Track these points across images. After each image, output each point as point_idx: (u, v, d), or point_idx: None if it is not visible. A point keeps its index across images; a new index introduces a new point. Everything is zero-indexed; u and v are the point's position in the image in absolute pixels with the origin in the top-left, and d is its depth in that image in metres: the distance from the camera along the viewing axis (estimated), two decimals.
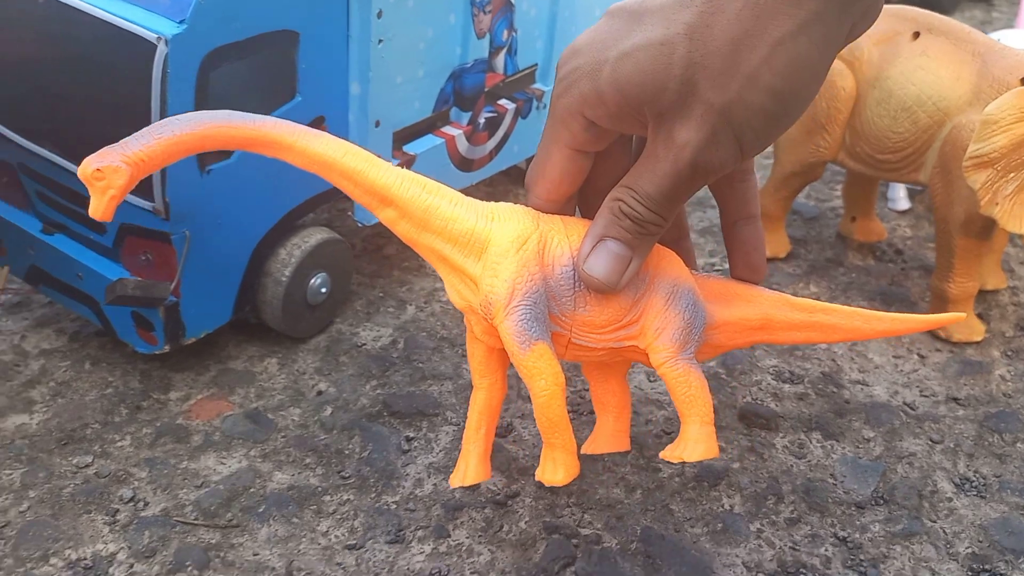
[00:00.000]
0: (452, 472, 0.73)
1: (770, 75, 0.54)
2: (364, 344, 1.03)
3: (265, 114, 0.84)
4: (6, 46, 0.82)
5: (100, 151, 0.56)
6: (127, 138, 0.57)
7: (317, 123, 0.92)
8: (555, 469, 0.65)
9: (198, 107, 0.78)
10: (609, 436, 0.78)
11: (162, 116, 0.76)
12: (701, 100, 0.55)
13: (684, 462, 0.75)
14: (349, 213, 1.04)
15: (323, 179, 0.91)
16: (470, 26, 1.05)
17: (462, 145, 1.12)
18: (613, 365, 0.75)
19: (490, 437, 0.72)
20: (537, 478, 0.66)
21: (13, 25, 0.80)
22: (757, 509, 0.84)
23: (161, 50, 0.73)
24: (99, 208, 0.56)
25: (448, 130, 1.10)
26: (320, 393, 0.95)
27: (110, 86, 0.78)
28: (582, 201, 0.71)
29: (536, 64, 1.21)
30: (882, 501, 0.86)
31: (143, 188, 0.79)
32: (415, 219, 0.65)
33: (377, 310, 1.09)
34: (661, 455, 0.66)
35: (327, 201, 0.99)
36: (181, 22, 0.74)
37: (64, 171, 0.85)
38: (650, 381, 1.01)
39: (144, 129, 0.57)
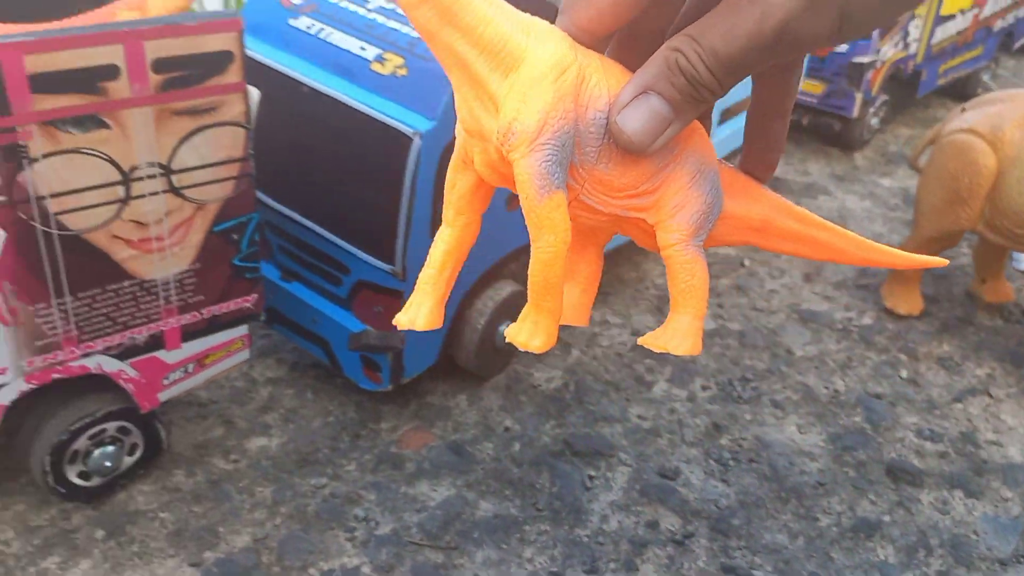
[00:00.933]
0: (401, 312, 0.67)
1: None
2: (539, 385, 1.15)
3: None
4: (273, 124, 0.96)
5: None
6: None
7: (514, 197, 1.05)
8: (535, 332, 0.62)
9: (436, 185, 0.91)
10: (572, 307, 0.72)
11: (410, 195, 0.89)
12: None
13: (667, 353, 0.66)
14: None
15: (515, 238, 1.04)
16: None
17: None
18: (599, 233, 0.70)
19: (451, 283, 0.67)
20: (509, 338, 0.62)
21: (280, 107, 0.94)
22: (909, 560, 0.94)
23: (416, 143, 0.87)
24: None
25: None
26: (507, 429, 1.07)
27: (365, 167, 0.91)
28: (621, 44, 0.64)
29: None
30: (1023, 560, 0.95)
31: (386, 253, 0.93)
32: (442, 6, 0.64)
33: (546, 352, 1.22)
34: (640, 341, 0.64)
35: (517, 257, 1.11)
36: (432, 119, 0.87)
37: (308, 230, 0.99)
38: (801, 433, 1.11)
39: None
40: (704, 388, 1.18)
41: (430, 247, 0.61)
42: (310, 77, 0.93)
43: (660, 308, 1.34)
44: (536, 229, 0.54)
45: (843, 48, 1.75)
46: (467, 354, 1.09)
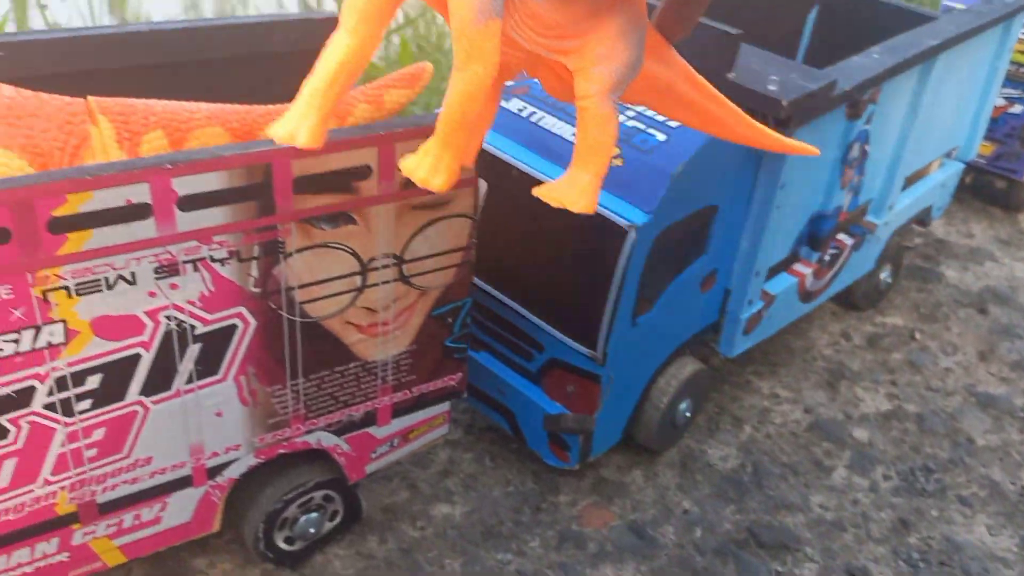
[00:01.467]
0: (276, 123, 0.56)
1: None
2: (714, 464, 1.15)
3: (679, 271, 0.98)
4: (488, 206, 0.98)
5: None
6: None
7: (710, 276, 1.05)
8: (437, 169, 0.55)
9: (644, 273, 0.92)
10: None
11: (620, 286, 0.91)
12: None
13: (564, 208, 0.61)
14: (712, 344, 1.16)
15: (702, 318, 1.04)
16: (837, 180, 1.16)
17: (809, 281, 1.22)
18: (507, 73, 0.62)
19: (338, 99, 0.57)
20: (407, 172, 0.55)
21: (489, 187, 0.97)
22: None
23: (631, 236, 0.88)
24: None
25: (799, 268, 1.21)
26: (686, 512, 1.07)
27: (572, 253, 0.93)
28: None
29: (871, 199, 1.30)
30: None
31: (587, 337, 0.94)
32: None
33: (717, 426, 1.21)
34: (536, 191, 0.59)
35: (703, 337, 1.12)
36: (648, 213, 0.88)
37: (503, 305, 1.02)
38: (991, 535, 1.08)
39: None
40: (886, 477, 1.16)
41: (322, 57, 0.53)
42: (521, 160, 0.96)
43: (832, 383, 1.32)
44: (465, 56, 0.50)
45: (1017, 110, 1.70)
46: (646, 431, 1.09)
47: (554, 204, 0.57)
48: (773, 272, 1.17)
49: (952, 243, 1.74)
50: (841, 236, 1.27)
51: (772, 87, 0.91)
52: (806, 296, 1.24)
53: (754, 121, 0.70)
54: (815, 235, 1.19)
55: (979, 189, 1.87)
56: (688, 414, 1.13)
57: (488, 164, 0.98)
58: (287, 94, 0.56)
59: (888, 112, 1.18)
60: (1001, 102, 1.72)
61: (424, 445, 0.96)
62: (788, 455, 1.18)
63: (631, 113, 0.95)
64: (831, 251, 1.25)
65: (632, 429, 1.09)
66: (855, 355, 1.39)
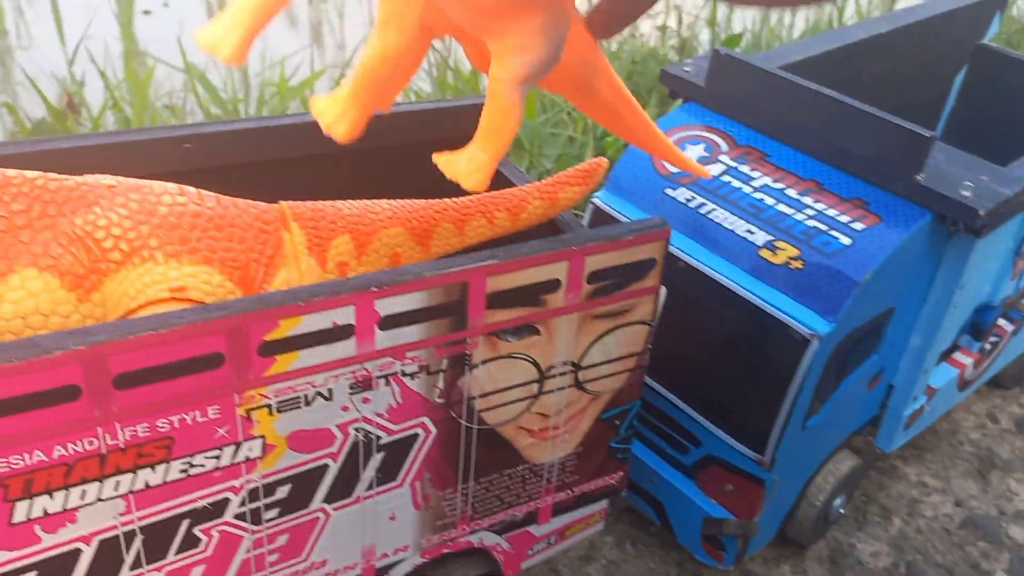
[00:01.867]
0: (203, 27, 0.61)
1: None
2: (865, 561, 1.11)
3: (850, 372, 0.95)
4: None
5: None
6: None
7: (879, 374, 1.01)
8: (341, 119, 0.60)
9: (822, 379, 0.89)
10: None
11: (796, 395, 0.88)
12: None
13: (456, 183, 0.63)
14: (870, 438, 1.12)
15: (865, 414, 1.01)
16: (1008, 271, 1.10)
17: (969, 371, 1.17)
18: (428, 36, 0.64)
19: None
20: (313, 112, 0.60)
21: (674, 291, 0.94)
22: None
23: (813, 345, 0.85)
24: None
25: (960, 358, 1.16)
26: None
27: (744, 355, 0.91)
28: None
29: None
30: None
31: (755, 441, 0.92)
32: None
33: (865, 518, 1.17)
34: (436, 158, 0.61)
35: (861, 432, 1.08)
36: (833, 322, 0.86)
37: (660, 396, 1.00)
38: None
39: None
40: None
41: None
42: (688, 253, 0.94)
43: (982, 472, 1.27)
44: (383, 20, 0.56)
45: None
46: (799, 527, 1.06)
47: (448, 176, 0.59)
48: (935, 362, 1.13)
49: None
50: (1001, 322, 1.21)
51: (966, 192, 0.87)
52: (963, 385, 1.19)
53: (660, 133, 0.78)
54: (979, 326, 1.14)
55: None
56: (842, 510, 1.09)
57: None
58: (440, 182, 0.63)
59: None
60: None
61: (577, 542, 0.95)
62: (942, 555, 1.13)
63: (811, 212, 0.92)
64: (992, 339, 1.20)
65: (784, 525, 1.06)
66: (1004, 440, 1.33)
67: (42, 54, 2.42)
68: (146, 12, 2.90)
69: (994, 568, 1.12)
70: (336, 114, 0.63)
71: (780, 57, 1.15)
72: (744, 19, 2.71)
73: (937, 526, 1.17)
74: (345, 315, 0.66)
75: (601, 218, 1.02)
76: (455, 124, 0.94)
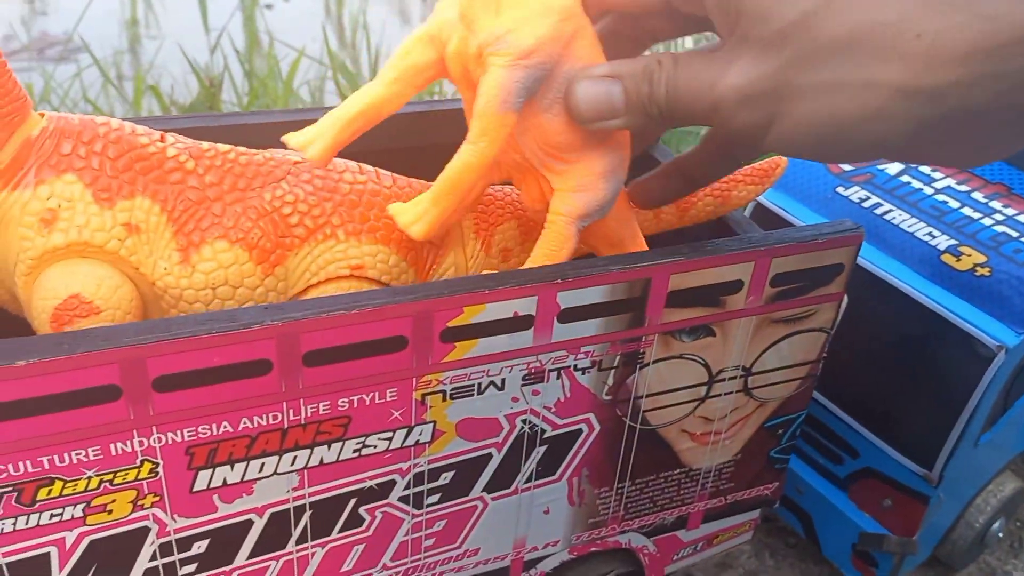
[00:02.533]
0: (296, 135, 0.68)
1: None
2: None
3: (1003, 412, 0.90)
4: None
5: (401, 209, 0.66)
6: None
7: None
8: (420, 218, 0.66)
9: (1001, 393, 0.85)
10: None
11: (975, 411, 0.84)
12: (780, 55, 0.53)
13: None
14: None
15: None
16: None
17: None
18: (497, 172, 0.71)
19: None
20: (392, 212, 0.67)
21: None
22: None
23: (1000, 358, 0.81)
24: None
25: None
26: None
27: (920, 365, 0.87)
28: (610, 29, 0.69)
29: None
30: None
31: (922, 456, 0.88)
32: None
33: (1021, 544, 1.12)
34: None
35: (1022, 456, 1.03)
36: (1021, 333, 0.81)
37: (819, 406, 0.97)
38: None
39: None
40: None
41: (352, 96, 0.67)
42: (861, 255, 0.90)
43: None
44: (480, 132, 0.62)
45: None
46: (953, 549, 1.02)
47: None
48: None
49: None
50: None
51: None
52: None
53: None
54: None
55: None
56: (1000, 534, 1.04)
57: None
58: None
59: None
60: None
61: (724, 551, 0.93)
62: None
63: (1000, 217, 0.87)
64: None
65: (938, 545, 1.02)
66: None
67: (170, 44, 2.52)
68: (268, 6, 2.98)
69: None
70: (414, 214, 0.67)
71: None
72: None
73: None
74: (527, 305, 0.65)
75: (765, 216, 0.99)
76: None
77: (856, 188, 0.95)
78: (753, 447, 0.85)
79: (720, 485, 0.86)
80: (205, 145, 0.68)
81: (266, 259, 0.67)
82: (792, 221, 0.96)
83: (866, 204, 0.93)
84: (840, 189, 0.95)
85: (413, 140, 0.86)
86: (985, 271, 0.84)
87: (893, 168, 0.95)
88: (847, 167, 0.97)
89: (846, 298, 0.79)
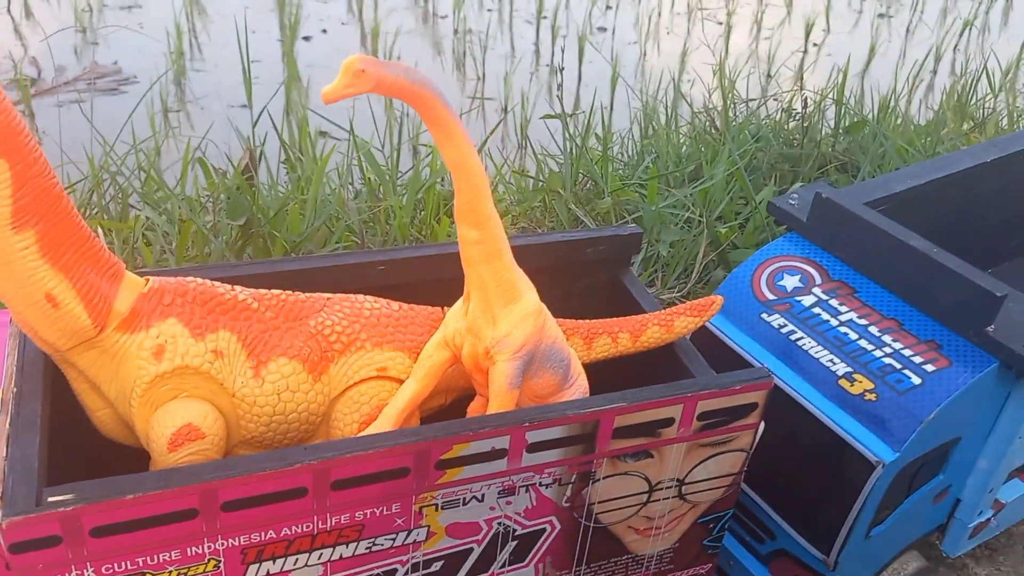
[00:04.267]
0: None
1: None
2: None
3: (915, 490, 1.12)
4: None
5: (371, 59, 0.76)
6: (395, 62, 0.78)
7: (943, 492, 1.18)
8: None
9: (884, 498, 1.07)
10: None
11: (862, 510, 1.06)
12: None
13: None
14: (937, 542, 1.29)
15: (931, 522, 1.19)
16: None
17: None
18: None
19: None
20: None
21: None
22: None
23: (878, 471, 1.03)
24: (334, 92, 0.74)
25: None
26: None
27: (820, 469, 1.09)
28: None
29: None
30: None
31: (822, 543, 1.10)
32: (488, 252, 0.89)
33: None
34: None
35: (927, 538, 1.25)
36: (897, 451, 1.03)
37: (747, 495, 1.19)
38: None
39: (400, 65, 0.79)
40: None
41: (396, 394, 0.96)
42: (776, 374, 1.13)
43: None
44: (496, 405, 0.94)
45: None
46: None
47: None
48: (1007, 479, 1.28)
49: None
50: None
51: None
52: None
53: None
54: None
55: None
56: None
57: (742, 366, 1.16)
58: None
59: None
60: None
61: None
62: None
63: (888, 350, 1.10)
64: None
65: None
66: None
67: (217, 79, 2.70)
68: (306, 38, 3.18)
69: None
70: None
71: (885, 187, 1.32)
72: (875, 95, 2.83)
73: None
74: (502, 441, 0.87)
75: (706, 335, 1.21)
76: (596, 250, 1.17)
77: (777, 315, 1.17)
78: (689, 538, 1.07)
79: (662, 567, 1.08)
80: (264, 291, 0.93)
81: (315, 369, 0.92)
82: (724, 341, 1.18)
83: (783, 330, 1.16)
84: (764, 315, 1.18)
85: (411, 277, 1.09)
86: (872, 396, 1.06)
87: (808, 300, 1.18)
88: (771, 296, 1.19)
89: (763, 424, 1.01)
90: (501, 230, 0.90)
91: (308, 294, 0.96)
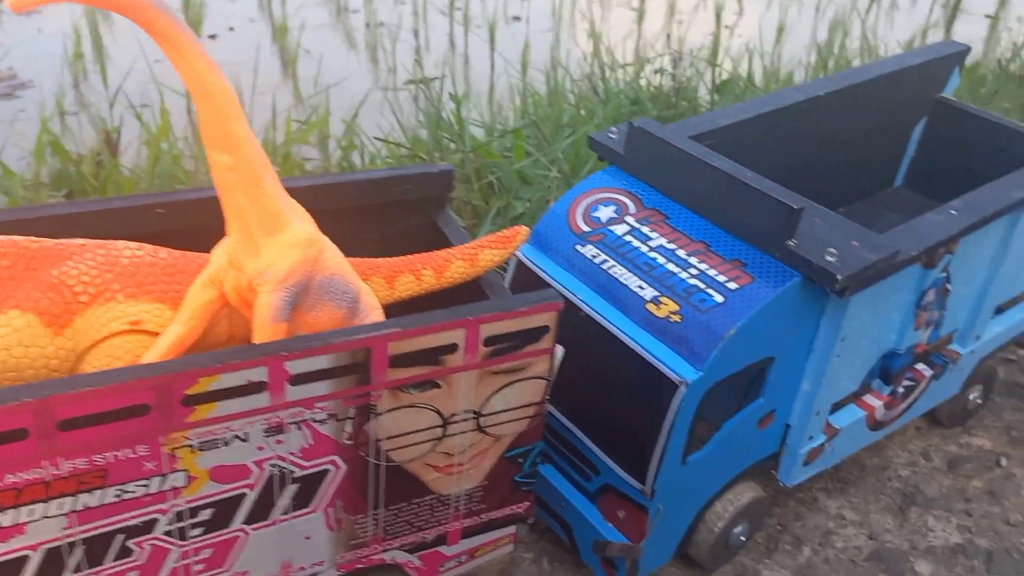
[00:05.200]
0: None
1: None
2: None
3: (732, 414, 1.11)
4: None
5: None
6: None
7: (768, 416, 1.17)
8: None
9: (694, 421, 1.05)
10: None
11: (668, 436, 1.04)
12: None
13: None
14: (773, 471, 1.28)
15: (761, 450, 1.17)
16: (910, 322, 1.25)
17: (879, 412, 1.32)
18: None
19: None
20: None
21: (562, 324, 1.11)
22: None
23: (681, 391, 1.01)
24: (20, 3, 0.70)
25: (869, 400, 1.31)
26: None
27: (629, 396, 1.07)
28: None
29: (956, 329, 1.38)
30: None
31: (638, 472, 1.08)
32: (244, 178, 0.83)
33: (776, 546, 1.33)
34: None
35: (761, 465, 1.24)
36: (700, 370, 1.01)
37: (569, 431, 1.16)
38: None
39: None
40: None
41: (157, 339, 0.90)
42: (589, 304, 1.10)
43: (902, 508, 1.41)
44: (260, 339, 0.86)
45: None
46: (698, 550, 1.22)
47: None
48: (840, 405, 1.28)
49: None
50: (920, 367, 1.36)
51: (830, 258, 1.03)
52: (876, 425, 1.35)
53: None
54: (887, 371, 1.29)
55: None
56: (743, 538, 1.25)
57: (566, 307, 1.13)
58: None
59: (970, 257, 1.27)
60: None
61: (488, 561, 1.12)
62: None
63: (694, 271, 1.08)
64: (907, 383, 1.34)
65: (686, 547, 1.22)
66: (932, 479, 1.48)
67: (116, 82, 2.62)
68: (212, 36, 3.10)
69: None
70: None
71: (712, 122, 1.31)
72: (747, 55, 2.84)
73: (844, 557, 1.33)
74: (258, 374, 0.83)
75: (523, 272, 1.18)
76: (406, 188, 1.14)
77: (590, 246, 1.15)
78: (497, 475, 1.03)
79: (472, 507, 1.05)
80: (2, 237, 0.86)
81: (56, 321, 0.86)
82: (542, 276, 1.15)
83: (596, 260, 1.13)
84: (578, 247, 1.16)
85: (194, 222, 1.04)
86: (677, 318, 1.04)
87: (621, 229, 1.15)
88: (586, 227, 1.17)
89: (561, 350, 0.98)
90: (260, 154, 0.85)
91: (60, 240, 0.90)
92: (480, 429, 0.98)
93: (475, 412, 0.97)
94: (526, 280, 1.19)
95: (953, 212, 1.18)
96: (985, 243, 1.29)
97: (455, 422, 0.96)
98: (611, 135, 1.26)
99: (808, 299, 1.08)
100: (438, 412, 0.94)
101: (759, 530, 1.32)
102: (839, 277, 1.01)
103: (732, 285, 1.05)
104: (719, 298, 1.04)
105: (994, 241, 1.31)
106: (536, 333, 0.95)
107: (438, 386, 0.93)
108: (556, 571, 1.26)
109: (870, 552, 1.34)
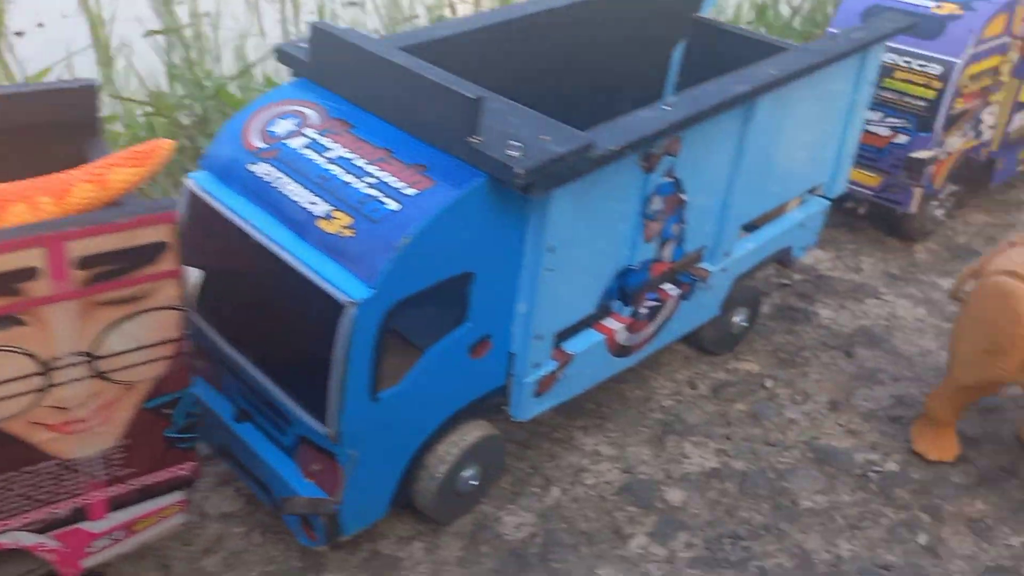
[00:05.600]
0: None
1: None
2: (506, 534, 1.17)
3: (438, 338, 0.99)
4: (229, 270, 0.99)
5: None
6: None
7: (482, 344, 1.06)
8: None
9: (376, 344, 0.93)
10: None
11: (345, 367, 0.91)
12: None
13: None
14: (504, 408, 1.17)
15: (484, 382, 1.07)
16: (640, 234, 1.17)
17: (622, 336, 1.24)
18: None
19: None
20: None
21: (235, 256, 0.97)
22: None
23: (351, 312, 0.89)
24: None
25: (609, 323, 1.22)
26: None
27: (303, 327, 0.95)
28: None
29: (704, 246, 1.32)
30: None
31: (319, 412, 0.96)
32: None
33: (523, 489, 1.23)
34: None
35: (486, 400, 1.13)
36: (372, 287, 0.89)
37: (256, 379, 1.03)
38: None
39: None
40: (688, 545, 1.18)
41: None
42: (258, 228, 0.97)
43: (661, 438, 1.34)
44: None
45: (902, 140, 1.72)
46: (423, 499, 1.11)
47: None
48: (577, 328, 1.19)
49: (835, 279, 1.76)
50: (666, 286, 1.29)
51: (512, 152, 0.92)
52: (621, 351, 1.26)
53: None
54: (623, 289, 1.21)
55: (878, 219, 1.89)
56: (475, 483, 1.14)
57: (234, 231, 0.99)
58: None
59: (701, 162, 1.20)
60: (887, 132, 1.74)
61: (156, 535, 0.97)
62: (590, 522, 1.20)
63: (371, 180, 0.96)
64: (651, 304, 1.26)
65: (409, 498, 1.11)
66: (695, 406, 1.41)
67: None
68: (18, 33, 2.83)
69: (636, 532, 1.20)
70: None
71: (429, 34, 1.20)
72: None
73: (594, 494, 1.24)
74: None
75: (195, 202, 1.04)
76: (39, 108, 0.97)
77: (262, 163, 1.01)
78: (140, 430, 0.89)
79: (116, 472, 0.90)
80: None
81: None
82: (213, 205, 1.01)
83: (267, 178, 1.00)
84: (251, 166, 1.02)
85: None
86: (350, 232, 0.92)
87: (297, 143, 1.02)
88: (261, 144, 1.03)
89: (195, 272, 0.84)
90: None
91: None
92: (100, 375, 0.84)
93: (87, 354, 0.82)
94: (201, 212, 1.04)
95: (666, 107, 1.10)
96: (716, 147, 1.22)
97: (60, 367, 0.81)
98: (302, 44, 1.13)
99: (505, 205, 0.97)
100: (31, 356, 0.79)
101: (499, 474, 1.22)
102: (520, 171, 0.91)
103: (410, 191, 0.94)
104: (394, 205, 0.93)
105: (727, 145, 1.24)
106: (149, 251, 0.81)
107: (22, 323, 0.77)
108: (268, 543, 1.13)
109: (621, 486, 1.26)
